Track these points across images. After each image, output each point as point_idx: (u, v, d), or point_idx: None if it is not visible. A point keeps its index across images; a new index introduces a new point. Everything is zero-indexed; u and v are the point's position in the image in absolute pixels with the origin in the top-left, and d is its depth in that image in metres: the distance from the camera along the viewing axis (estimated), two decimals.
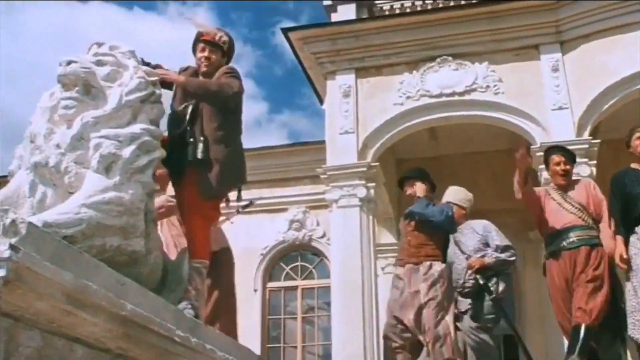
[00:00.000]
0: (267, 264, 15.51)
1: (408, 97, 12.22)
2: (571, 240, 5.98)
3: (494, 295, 6.24)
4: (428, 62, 12.35)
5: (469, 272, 6.41)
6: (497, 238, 6.63)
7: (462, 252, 6.59)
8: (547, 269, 6.18)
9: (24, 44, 49.15)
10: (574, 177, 6.56)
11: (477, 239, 6.61)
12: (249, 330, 14.25)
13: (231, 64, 5.30)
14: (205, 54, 5.22)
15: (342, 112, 12.40)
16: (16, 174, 4.25)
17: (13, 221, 2.84)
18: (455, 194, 7.14)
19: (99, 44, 4.79)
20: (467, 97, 11.96)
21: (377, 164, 11.99)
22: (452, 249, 6.63)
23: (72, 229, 3.64)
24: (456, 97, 12.00)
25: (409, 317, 5.61)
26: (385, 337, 5.82)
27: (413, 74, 12.35)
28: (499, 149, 13.10)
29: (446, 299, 5.69)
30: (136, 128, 4.31)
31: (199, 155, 4.85)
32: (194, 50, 5.34)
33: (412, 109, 12.20)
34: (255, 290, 15.27)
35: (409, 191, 6.24)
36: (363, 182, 11.73)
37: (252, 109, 46.59)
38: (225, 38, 5.28)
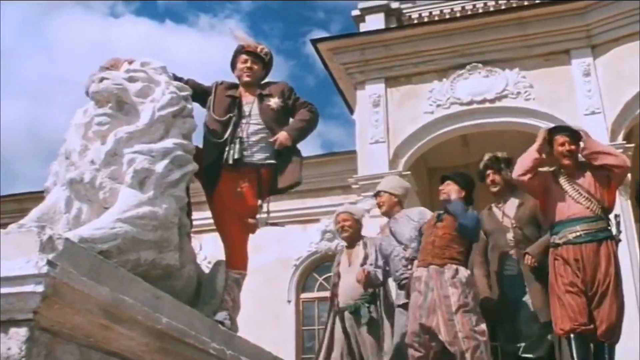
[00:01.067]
0: (300, 275, 15.50)
1: (438, 105, 12.21)
2: (578, 234, 5.57)
3: None
4: (458, 69, 12.34)
5: (405, 263, 6.24)
6: None
7: (399, 243, 6.39)
8: (550, 262, 5.71)
9: (57, 61, 49.84)
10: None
11: (412, 226, 6.31)
12: (284, 341, 14.26)
13: (287, 82, 5.45)
14: (248, 64, 5.31)
15: (372, 122, 12.42)
16: (52, 190, 4.32)
17: (50, 237, 2.89)
18: (387, 182, 6.99)
19: (130, 61, 4.87)
20: (498, 103, 11.92)
21: (409, 172, 11.96)
22: (387, 241, 6.50)
23: (107, 243, 3.69)
24: (487, 104, 11.97)
25: (437, 323, 5.47)
26: (409, 346, 5.67)
27: (443, 81, 12.33)
28: None
29: (477, 306, 5.59)
30: (169, 143, 4.36)
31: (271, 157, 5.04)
32: (234, 62, 5.44)
33: (442, 117, 12.19)
34: (289, 302, 15.27)
35: (442, 189, 6.08)
36: None
37: None
38: (266, 50, 5.41)
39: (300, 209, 15.02)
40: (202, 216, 5.68)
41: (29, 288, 2.66)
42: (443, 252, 5.63)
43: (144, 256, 3.96)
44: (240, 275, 5.00)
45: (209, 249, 13.87)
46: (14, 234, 2.94)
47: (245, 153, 4.98)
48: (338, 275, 6.89)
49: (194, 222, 4.94)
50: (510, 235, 6.06)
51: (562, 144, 5.83)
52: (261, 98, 5.22)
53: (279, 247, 14.41)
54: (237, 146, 4.97)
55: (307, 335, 15.41)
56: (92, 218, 4.04)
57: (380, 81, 12.72)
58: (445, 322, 5.37)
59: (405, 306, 6.13)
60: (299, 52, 53.18)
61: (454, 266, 5.55)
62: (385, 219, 6.90)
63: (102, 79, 4.43)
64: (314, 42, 13.12)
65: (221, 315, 4.69)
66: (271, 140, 5.05)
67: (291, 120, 5.27)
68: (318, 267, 15.77)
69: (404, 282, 6.18)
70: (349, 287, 6.65)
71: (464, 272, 5.56)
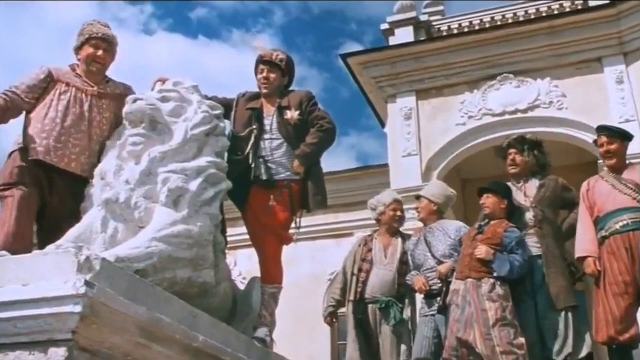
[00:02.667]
0: None
1: (470, 117, 12.16)
2: (625, 222, 5.44)
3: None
4: (489, 80, 12.29)
5: (434, 276, 6.14)
6: None
7: (433, 256, 6.27)
8: (602, 259, 5.52)
9: None
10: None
11: (448, 243, 6.21)
12: (319, 356, 14.23)
13: (309, 91, 5.35)
14: (264, 74, 5.28)
15: (404, 135, 12.39)
16: (88, 210, 4.37)
17: (87, 258, 2.92)
18: (429, 188, 6.84)
19: (163, 80, 4.92)
20: (530, 114, 11.84)
21: None
22: (422, 249, 6.34)
23: (143, 262, 3.72)
24: (519, 115, 11.89)
25: (475, 336, 5.40)
26: None
27: (474, 93, 12.29)
28: (566, 165, 12.86)
29: (515, 320, 5.50)
30: (202, 161, 4.40)
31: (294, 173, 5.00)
32: (256, 74, 5.41)
33: (474, 129, 12.13)
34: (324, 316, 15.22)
35: (484, 203, 5.96)
36: None
37: None
38: (281, 56, 5.33)
39: (334, 223, 15.00)
40: (236, 232, 5.70)
41: (67, 308, 2.70)
42: (481, 266, 5.55)
43: (180, 274, 3.99)
44: (277, 289, 4.99)
45: (243, 264, 13.92)
46: (51, 255, 2.98)
47: (272, 171, 4.98)
48: (370, 262, 6.56)
49: (228, 238, 4.97)
50: (530, 215, 5.88)
51: (602, 145, 5.77)
52: (280, 110, 5.16)
53: (313, 262, 14.39)
54: (263, 166, 4.95)
55: (342, 350, 15.32)
56: (127, 237, 4.08)
57: (411, 94, 12.70)
58: (483, 336, 5.31)
59: (431, 316, 6.09)
60: (332, 64, 53.40)
61: (491, 280, 5.49)
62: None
63: (135, 100, 4.48)
64: (344, 56, 13.15)
65: (262, 332, 4.70)
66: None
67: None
68: None
69: (433, 293, 6.12)
70: (380, 281, 6.45)
71: (501, 287, 5.48)
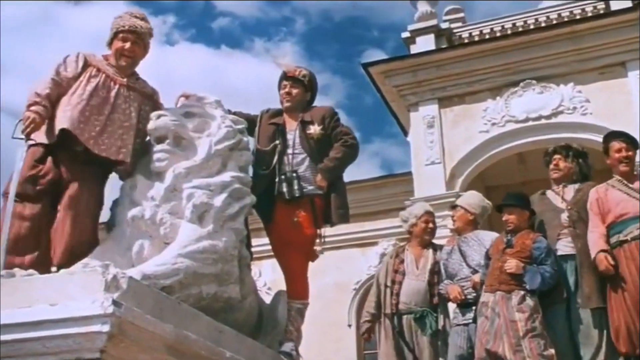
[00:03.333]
0: (360, 298, 15.40)
1: (493, 124, 12.12)
2: None
3: None
4: (511, 87, 12.24)
5: (469, 285, 6.12)
6: None
7: (468, 266, 6.24)
8: (620, 263, 5.38)
9: None
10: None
11: (483, 254, 6.20)
12: None
13: (331, 107, 5.40)
14: (287, 89, 5.32)
15: (427, 143, 12.37)
16: (115, 227, 4.40)
17: (114, 276, 2.95)
18: (465, 197, 6.74)
19: (186, 96, 4.96)
20: (554, 120, 11.78)
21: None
22: (456, 258, 6.27)
23: (170, 279, 3.74)
24: (543, 121, 11.84)
25: (503, 348, 5.36)
26: None
27: (497, 100, 12.24)
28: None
29: (545, 331, 5.44)
30: (226, 176, 4.42)
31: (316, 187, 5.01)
32: (279, 90, 5.44)
33: (498, 136, 12.09)
34: (350, 326, 15.19)
35: (507, 220, 5.92)
36: (452, 212, 11.60)
37: None
38: (304, 72, 5.38)
39: (359, 232, 14.98)
40: (261, 242, 5.70)
41: (95, 328, 2.72)
42: (510, 279, 5.50)
43: (206, 290, 4.01)
44: (303, 305, 5.01)
45: (268, 275, 13.95)
46: (79, 274, 3.01)
47: (294, 186, 4.97)
48: (402, 273, 6.50)
49: (253, 249, 4.96)
50: (564, 216, 5.78)
51: (619, 150, 5.70)
52: (303, 125, 5.20)
53: (338, 271, 14.39)
54: (286, 181, 4.97)
55: (368, 359, 15.31)
56: (154, 253, 4.10)
57: (433, 102, 12.68)
58: (512, 348, 5.25)
59: (464, 326, 6.06)
60: (354, 71, 53.49)
61: (522, 292, 5.44)
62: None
63: (159, 116, 4.51)
64: (365, 66, 13.16)
65: (288, 347, 4.70)
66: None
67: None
68: None
69: (468, 301, 6.10)
70: (414, 291, 6.38)
71: (531, 300, 5.43)
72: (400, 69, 12.98)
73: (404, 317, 6.36)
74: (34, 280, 3.07)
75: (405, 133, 14.01)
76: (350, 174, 5.48)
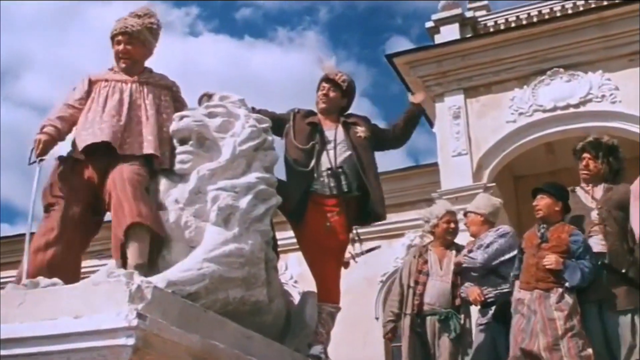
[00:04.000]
0: (387, 291, 15.31)
1: (521, 114, 11.93)
2: None
3: None
4: (539, 75, 12.03)
5: (491, 289, 6.06)
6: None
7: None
8: None
9: None
10: None
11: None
12: (372, 359, 14.17)
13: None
14: (325, 91, 5.29)
15: (453, 134, 12.22)
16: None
17: (139, 287, 2.89)
18: (474, 202, 6.72)
19: (209, 95, 4.88)
20: (582, 108, 11.57)
21: (494, 184, 11.71)
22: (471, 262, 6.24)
23: (195, 285, 3.68)
24: (571, 110, 11.63)
25: (539, 347, 5.22)
26: None
27: (524, 89, 12.05)
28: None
29: (584, 330, 5.29)
30: (251, 177, 4.34)
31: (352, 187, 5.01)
32: (317, 91, 5.41)
33: (525, 126, 11.90)
34: (377, 319, 15.13)
35: (537, 205, 5.76)
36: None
37: None
38: (344, 77, 5.34)
39: (385, 224, 14.73)
40: (287, 235, 5.62)
41: (120, 341, 2.67)
42: (548, 277, 5.35)
43: (232, 294, 3.94)
44: (335, 309, 4.96)
45: (294, 268, 13.94)
46: (103, 285, 2.96)
47: (331, 184, 4.96)
48: (426, 274, 6.46)
49: (279, 242, 4.88)
50: (594, 213, 5.63)
51: None
52: (346, 125, 5.20)
53: (365, 264, 14.17)
54: (340, 177, 4.98)
55: (396, 352, 15.22)
56: (179, 258, 4.04)
57: (459, 92, 12.51)
58: (550, 347, 5.11)
59: (486, 326, 6.01)
60: (379, 59, 52.79)
61: (560, 289, 5.28)
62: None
63: (182, 117, 4.45)
64: (389, 57, 13.01)
65: (317, 350, 4.65)
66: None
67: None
68: None
69: (489, 300, 6.02)
70: (439, 293, 6.35)
71: (570, 297, 5.28)
72: (425, 59, 12.81)
73: (428, 318, 6.33)
74: (58, 290, 3.02)
75: (431, 124, 13.85)
76: (379, 163, 5.47)
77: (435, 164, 13.15)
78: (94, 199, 4.38)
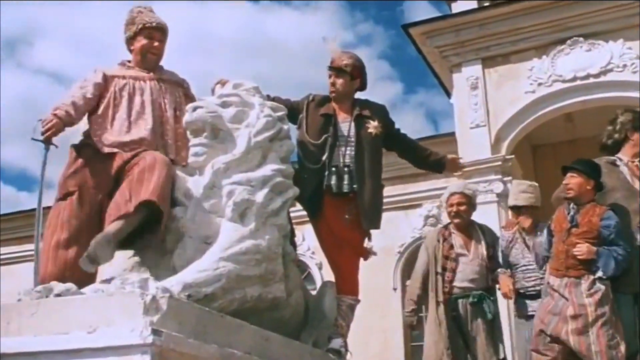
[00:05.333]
0: (405, 262, 15.28)
1: (540, 84, 11.72)
2: None
3: None
4: (558, 45, 11.79)
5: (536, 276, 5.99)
6: None
7: (535, 261, 6.02)
8: None
9: None
10: None
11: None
12: (392, 330, 14.17)
13: (385, 107, 5.29)
14: (331, 80, 5.11)
15: (471, 106, 12.04)
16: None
17: (154, 297, 2.81)
18: (530, 195, 6.53)
19: (223, 83, 4.76)
20: (602, 78, 11.34)
21: (512, 156, 11.57)
22: (519, 249, 6.23)
23: (212, 286, 3.59)
24: (591, 80, 11.40)
25: (567, 331, 5.08)
26: (535, 351, 5.28)
27: (543, 59, 11.82)
28: None
29: (615, 316, 5.12)
30: (267, 170, 4.23)
31: (357, 187, 4.84)
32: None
33: (544, 96, 11.70)
34: (395, 289, 15.10)
35: (567, 184, 5.49)
36: (499, 176, 11.35)
37: (387, 90, 45.69)
38: (347, 62, 5.11)
39: (402, 194, 14.77)
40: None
41: (135, 358, 2.60)
42: (579, 264, 5.15)
43: (250, 292, 3.85)
44: (355, 302, 4.89)
45: (311, 239, 13.83)
46: (117, 296, 2.87)
47: (344, 182, 4.83)
48: (454, 259, 6.31)
49: (294, 214, 4.73)
50: None
51: None
52: (359, 120, 5.02)
53: (382, 235, 14.01)
54: (343, 175, 4.82)
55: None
56: (195, 255, 3.96)
57: (477, 62, 12.29)
58: (580, 332, 4.96)
59: (528, 318, 5.90)
60: (398, 20, 52.10)
61: (592, 277, 5.11)
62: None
63: (195, 108, 4.33)
64: (405, 27, 12.80)
65: (337, 343, 4.58)
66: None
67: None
68: None
69: (529, 292, 5.94)
70: (468, 276, 6.23)
71: (601, 284, 5.10)
72: (442, 29, 12.59)
73: (459, 301, 6.21)
74: (71, 302, 2.94)
75: (449, 95, 13.67)
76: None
77: (452, 134, 12.99)
78: (112, 192, 4.26)
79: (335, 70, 5.11)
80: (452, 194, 6.54)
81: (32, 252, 4.34)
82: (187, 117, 4.33)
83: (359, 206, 4.82)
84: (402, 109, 46.60)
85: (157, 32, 4.70)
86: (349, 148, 4.93)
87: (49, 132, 4.18)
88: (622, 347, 4.92)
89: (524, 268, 6.09)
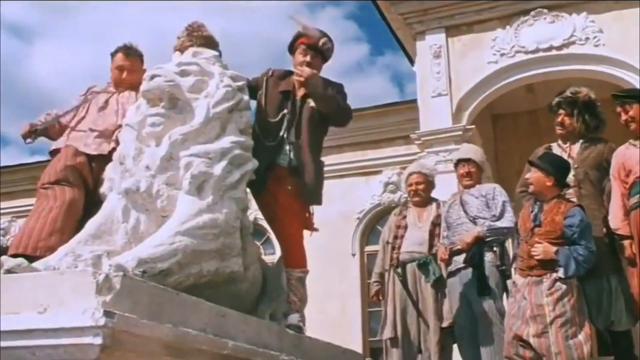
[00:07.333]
0: (363, 227, 15.29)
1: (502, 55, 11.66)
2: None
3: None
4: (522, 15, 11.71)
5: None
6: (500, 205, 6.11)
7: (466, 213, 6.13)
8: (633, 223, 5.24)
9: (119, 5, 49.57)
10: None
11: (480, 201, 6.11)
12: (350, 294, 14.24)
13: (343, 86, 5.09)
14: (308, 58, 4.93)
15: (433, 74, 11.97)
16: (108, 196, 4.18)
17: (107, 276, 2.74)
18: (476, 152, 6.62)
19: (182, 49, 4.64)
20: (565, 51, 11.32)
21: (473, 126, 11.53)
22: (457, 208, 6.22)
23: (167, 261, 3.53)
24: (554, 52, 11.37)
25: (529, 333, 5.07)
26: (508, 358, 5.28)
27: (506, 29, 11.76)
28: (600, 99, 12.42)
29: (577, 315, 5.11)
30: (226, 142, 4.16)
31: (297, 161, 4.73)
32: (292, 51, 5.08)
33: (507, 67, 11.65)
34: (354, 255, 15.13)
35: (529, 179, 5.47)
36: (459, 146, 11.35)
37: (353, 51, 45.16)
38: (328, 45, 5.00)
39: (362, 160, 14.76)
40: None
41: (87, 340, 2.53)
42: (541, 264, 5.12)
43: (207, 267, 3.80)
44: (304, 274, 4.79)
45: None
46: (68, 275, 2.79)
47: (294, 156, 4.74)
48: (404, 228, 6.58)
49: None
50: (571, 174, 5.47)
51: (619, 114, 5.47)
52: (305, 96, 4.87)
53: (342, 200, 14.20)
54: (293, 152, 4.72)
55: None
56: (150, 227, 3.91)
57: (440, 31, 12.18)
58: (539, 334, 4.96)
59: (455, 272, 6.07)
60: None
61: (554, 275, 5.11)
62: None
63: (152, 76, 4.22)
64: None
65: (294, 318, 4.53)
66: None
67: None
68: (381, 219, 15.52)
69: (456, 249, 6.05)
70: (415, 242, 6.45)
71: (564, 283, 5.08)
72: None
73: (408, 265, 6.46)
74: (21, 279, 2.85)
75: (412, 62, 13.59)
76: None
77: (414, 101, 12.95)
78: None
79: (314, 49, 4.97)
80: (410, 174, 6.77)
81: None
82: (144, 86, 4.23)
83: (299, 182, 4.71)
84: (368, 71, 46.31)
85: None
86: (300, 126, 4.80)
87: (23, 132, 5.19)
88: (586, 348, 4.91)
89: (455, 225, 6.17)
